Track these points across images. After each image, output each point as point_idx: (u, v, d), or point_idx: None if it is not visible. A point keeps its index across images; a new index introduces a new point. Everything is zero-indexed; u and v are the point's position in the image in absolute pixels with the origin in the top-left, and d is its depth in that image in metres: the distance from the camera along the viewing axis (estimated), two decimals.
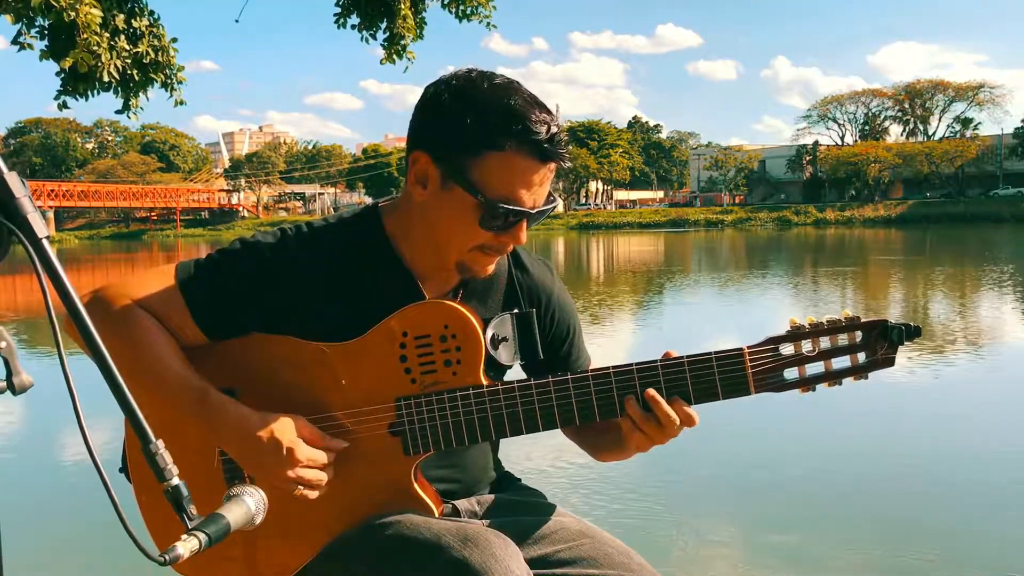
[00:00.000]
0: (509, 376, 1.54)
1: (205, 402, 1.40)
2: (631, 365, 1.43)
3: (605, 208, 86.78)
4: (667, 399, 1.41)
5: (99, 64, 5.43)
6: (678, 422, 1.40)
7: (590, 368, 1.47)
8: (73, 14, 4.93)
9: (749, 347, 1.41)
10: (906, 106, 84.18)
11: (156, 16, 6.15)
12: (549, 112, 1.38)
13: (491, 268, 1.48)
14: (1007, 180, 72.34)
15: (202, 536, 0.96)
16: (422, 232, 1.46)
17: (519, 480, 1.70)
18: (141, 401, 1.00)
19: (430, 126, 1.40)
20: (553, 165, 1.39)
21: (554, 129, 1.36)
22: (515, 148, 1.34)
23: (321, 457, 1.40)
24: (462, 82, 1.38)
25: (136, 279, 1.46)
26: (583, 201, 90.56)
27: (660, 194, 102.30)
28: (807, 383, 1.42)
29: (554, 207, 1.46)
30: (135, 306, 1.42)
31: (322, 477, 1.41)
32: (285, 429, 1.38)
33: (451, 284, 1.53)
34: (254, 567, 1.50)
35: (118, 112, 6.22)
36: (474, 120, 1.35)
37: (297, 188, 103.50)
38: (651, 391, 1.40)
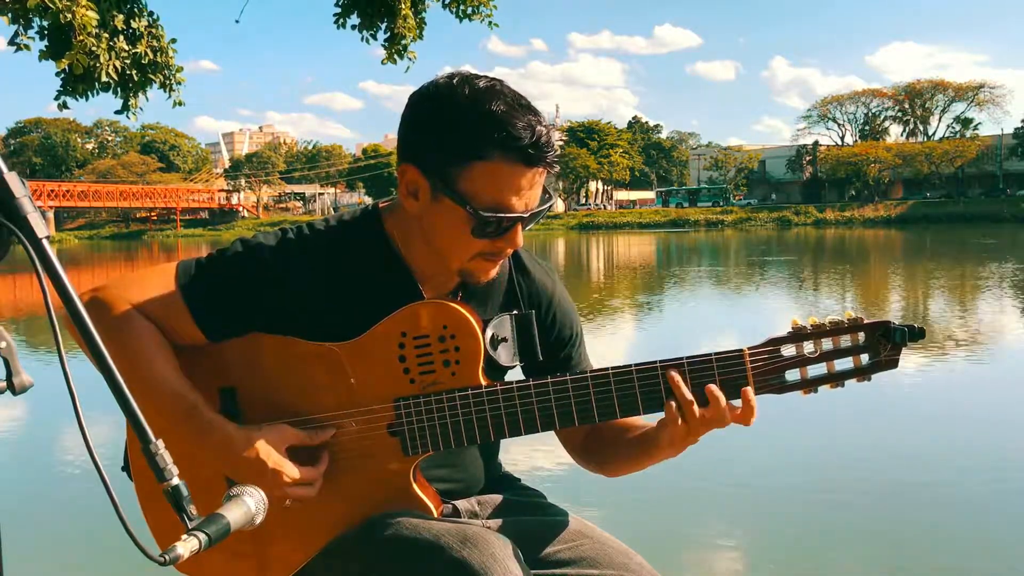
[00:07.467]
0: (509, 377, 1.53)
1: (193, 418, 1.40)
2: (630, 366, 1.42)
3: (605, 208, 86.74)
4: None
5: (97, 65, 5.43)
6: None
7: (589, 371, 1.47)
8: (69, 16, 4.93)
9: (749, 348, 1.40)
10: (906, 106, 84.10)
11: (155, 17, 6.16)
12: (535, 113, 1.34)
13: (494, 272, 1.46)
14: (1007, 180, 72.28)
15: (202, 536, 0.96)
16: (422, 241, 1.45)
17: (519, 480, 1.70)
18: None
19: (415, 139, 1.38)
20: (541, 169, 1.36)
21: (539, 131, 1.33)
22: (499, 156, 1.31)
23: (307, 475, 1.41)
24: (442, 90, 1.35)
25: (135, 279, 1.45)
26: (583, 201, 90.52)
27: None
28: (809, 384, 1.40)
29: (550, 206, 1.44)
30: (132, 310, 1.41)
31: (310, 492, 1.42)
32: (269, 449, 1.39)
33: (451, 285, 1.52)
34: (254, 566, 1.50)
35: (117, 112, 6.23)
36: (456, 130, 1.32)
37: (297, 188, 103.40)
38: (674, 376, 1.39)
